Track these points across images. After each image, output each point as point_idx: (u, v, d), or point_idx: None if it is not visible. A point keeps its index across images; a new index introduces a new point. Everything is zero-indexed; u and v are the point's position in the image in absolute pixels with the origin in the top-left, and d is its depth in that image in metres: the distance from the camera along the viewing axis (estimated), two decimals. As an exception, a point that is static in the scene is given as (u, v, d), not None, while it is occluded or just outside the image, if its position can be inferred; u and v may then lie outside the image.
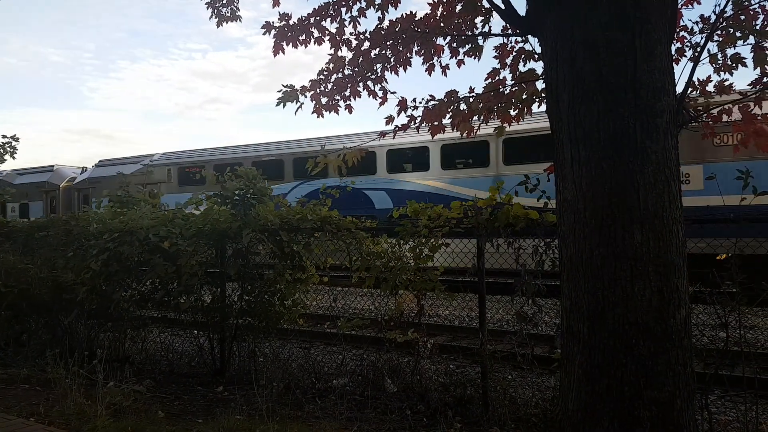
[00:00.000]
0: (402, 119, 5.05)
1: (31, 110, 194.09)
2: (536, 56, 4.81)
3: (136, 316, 6.39)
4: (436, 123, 4.98)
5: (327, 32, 5.05)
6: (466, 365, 5.75)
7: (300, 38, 5.05)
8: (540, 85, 4.73)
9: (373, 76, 5.03)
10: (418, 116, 4.99)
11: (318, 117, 5.13)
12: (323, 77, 5.06)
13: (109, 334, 6.60)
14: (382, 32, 4.78)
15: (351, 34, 5.01)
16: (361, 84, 5.05)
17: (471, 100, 4.87)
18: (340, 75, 5.05)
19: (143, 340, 6.70)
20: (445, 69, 5.10)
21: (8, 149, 12.43)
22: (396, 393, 5.02)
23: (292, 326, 6.28)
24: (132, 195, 7.57)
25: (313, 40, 5.09)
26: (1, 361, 6.51)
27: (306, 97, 5.10)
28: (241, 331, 5.99)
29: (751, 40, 4.33)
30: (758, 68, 4.33)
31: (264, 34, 5.05)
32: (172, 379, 5.97)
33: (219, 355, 6.10)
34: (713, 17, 4.36)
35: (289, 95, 5.06)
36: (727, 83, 4.56)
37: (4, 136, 12.41)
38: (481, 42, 4.91)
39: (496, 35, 4.75)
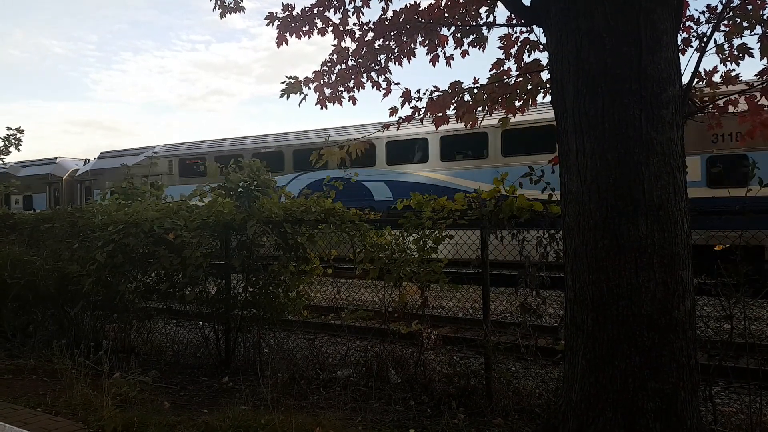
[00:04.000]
0: (406, 110, 5.04)
1: (33, 102, 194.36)
2: (541, 47, 4.78)
3: (141, 308, 6.42)
4: (440, 114, 4.96)
5: (330, 23, 5.03)
6: (469, 356, 5.76)
7: (303, 29, 5.03)
8: (545, 75, 4.70)
9: (376, 67, 5.01)
10: (422, 107, 4.97)
11: (321, 108, 5.12)
12: (327, 68, 5.04)
13: (114, 326, 6.64)
14: (386, 22, 4.76)
15: (354, 24, 4.99)
16: (364, 75, 5.04)
17: (475, 91, 4.85)
18: (343, 66, 5.03)
19: (149, 332, 6.74)
20: (449, 60, 5.08)
21: (13, 141, 12.45)
22: (400, 384, 5.04)
23: (297, 317, 6.30)
24: (136, 187, 7.58)
25: (316, 31, 5.07)
26: (8, 352, 6.56)
27: (309, 88, 5.09)
28: (246, 322, 6.02)
29: (758, 29, 4.29)
30: (765, 58, 4.30)
31: (267, 25, 5.03)
32: (178, 369, 6.01)
33: (224, 346, 6.13)
34: (720, 7, 4.33)
35: (293, 87, 5.05)
36: (733, 74, 4.53)
37: (8, 128, 12.45)
38: (485, 32, 4.89)
39: (500, 25, 4.73)
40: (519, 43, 4.88)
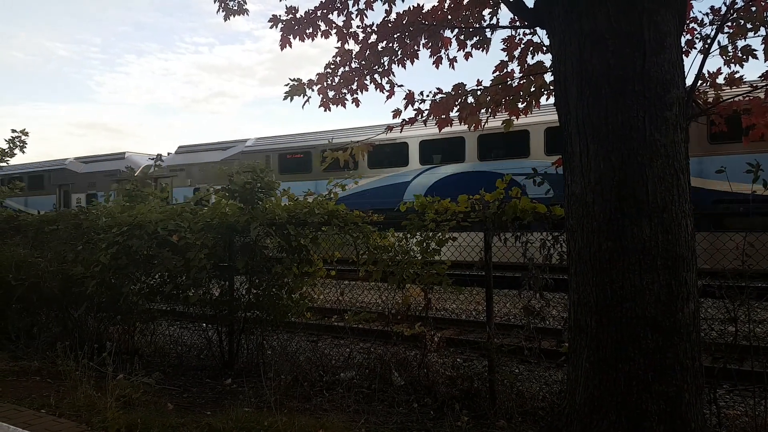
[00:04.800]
0: (409, 112, 5.05)
1: (37, 104, 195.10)
2: (544, 48, 4.78)
3: (145, 309, 6.43)
4: (443, 116, 4.97)
5: (334, 25, 5.04)
6: (473, 359, 5.75)
7: (307, 31, 5.04)
8: (548, 77, 4.71)
9: (380, 69, 5.02)
10: (426, 109, 4.98)
11: (325, 111, 5.14)
12: (330, 70, 5.06)
13: (118, 327, 6.65)
14: (389, 25, 4.77)
15: (358, 26, 5.01)
16: (368, 77, 5.05)
17: (479, 93, 4.85)
18: (347, 68, 5.04)
19: (152, 333, 6.75)
20: (452, 61, 5.08)
21: (18, 143, 12.49)
22: (403, 386, 5.04)
23: (300, 319, 6.29)
24: (140, 189, 7.60)
25: (320, 34, 5.08)
26: (12, 354, 6.58)
27: (313, 90, 5.10)
28: (249, 324, 6.02)
29: (762, 31, 4.28)
30: (769, 60, 4.29)
31: (271, 27, 5.05)
32: (181, 371, 6.01)
33: (227, 347, 6.13)
34: (724, 9, 4.32)
35: (297, 89, 5.06)
36: (737, 75, 4.52)
37: (13, 131, 12.48)
38: (488, 34, 4.90)
39: (504, 27, 4.73)
40: (522, 45, 4.88)
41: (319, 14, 4.98)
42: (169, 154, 22.34)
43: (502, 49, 4.94)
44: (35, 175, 24.98)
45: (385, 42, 4.87)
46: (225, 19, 5.56)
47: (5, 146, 12.43)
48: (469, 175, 14.47)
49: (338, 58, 5.04)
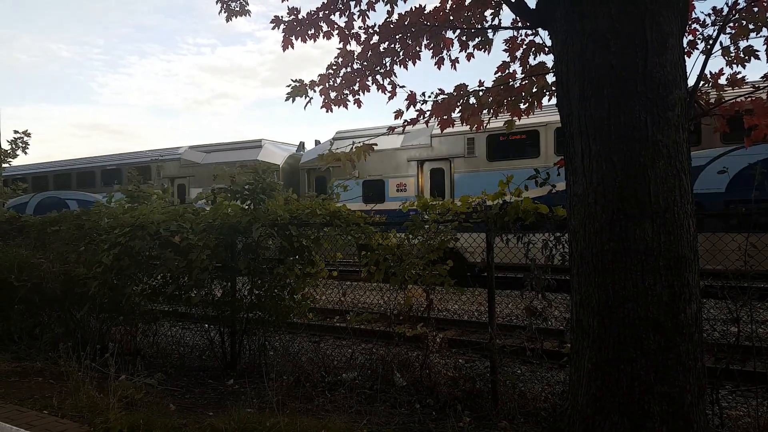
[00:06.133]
0: (411, 113, 5.05)
1: (41, 106, 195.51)
2: (546, 49, 4.78)
3: (147, 310, 6.44)
4: (445, 117, 4.96)
5: (336, 26, 5.04)
6: (475, 360, 5.76)
7: (309, 32, 5.04)
8: (550, 78, 4.70)
9: (381, 70, 5.01)
10: (428, 110, 4.97)
11: (327, 111, 5.13)
12: (332, 72, 5.05)
13: (120, 328, 6.66)
14: (391, 26, 4.76)
15: (360, 27, 5.00)
16: (369, 78, 5.04)
17: (480, 93, 4.85)
18: (348, 69, 5.04)
19: (154, 334, 6.76)
20: (454, 62, 5.08)
21: (20, 144, 12.56)
22: (405, 387, 5.04)
23: (302, 320, 6.31)
24: (142, 189, 7.59)
25: (321, 35, 5.08)
26: (15, 354, 6.59)
27: (315, 91, 5.10)
28: (252, 324, 6.03)
29: (765, 32, 4.28)
30: (772, 60, 4.28)
31: (273, 28, 5.05)
32: (183, 372, 6.02)
33: (229, 348, 6.14)
34: (726, 9, 4.32)
35: (299, 90, 5.06)
36: (739, 76, 4.51)
37: (15, 132, 12.54)
38: (490, 35, 4.89)
39: (506, 28, 4.72)
40: (524, 46, 4.88)
41: (321, 15, 4.98)
42: (317, 142, 18.59)
43: (504, 50, 4.93)
44: (140, 167, 20.70)
45: (386, 43, 4.86)
46: (227, 20, 5.57)
47: (8, 147, 12.49)
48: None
49: (340, 59, 5.04)
